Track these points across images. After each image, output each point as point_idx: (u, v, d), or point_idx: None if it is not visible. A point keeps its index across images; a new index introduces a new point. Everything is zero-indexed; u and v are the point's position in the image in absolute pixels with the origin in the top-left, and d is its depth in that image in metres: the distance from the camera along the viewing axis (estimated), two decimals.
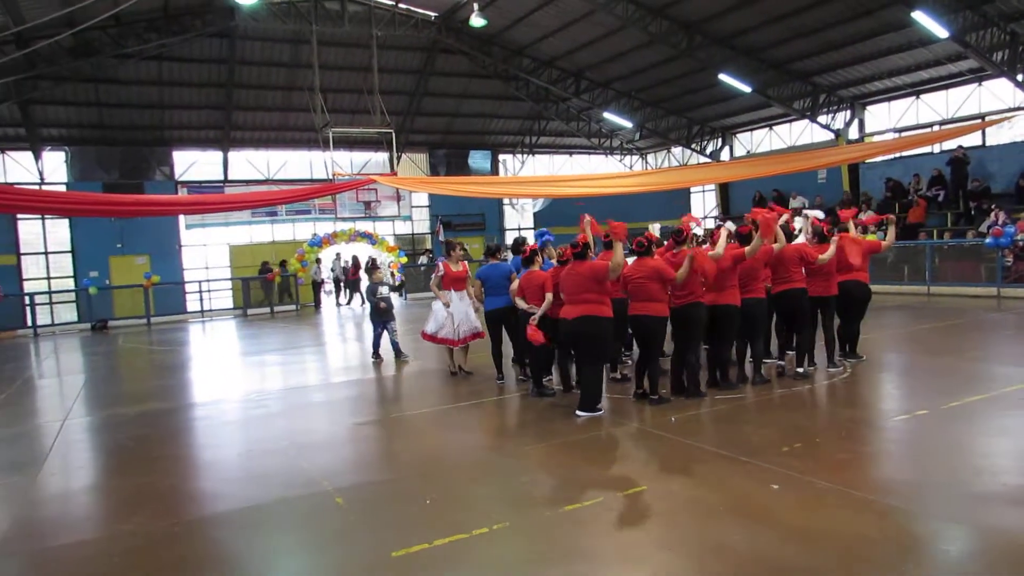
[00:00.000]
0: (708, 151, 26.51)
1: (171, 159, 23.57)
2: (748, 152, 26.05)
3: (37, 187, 21.61)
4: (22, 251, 21.90)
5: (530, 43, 22.49)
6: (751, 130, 25.74)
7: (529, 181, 22.04)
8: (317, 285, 23.02)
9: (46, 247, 22.20)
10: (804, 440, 5.63)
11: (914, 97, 20.55)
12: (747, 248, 7.32)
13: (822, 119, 21.97)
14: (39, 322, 20.13)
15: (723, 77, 20.46)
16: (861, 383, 7.64)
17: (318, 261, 22.88)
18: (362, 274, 21.63)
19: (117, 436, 7.17)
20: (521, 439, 6.48)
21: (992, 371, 7.91)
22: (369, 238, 23.76)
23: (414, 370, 10.10)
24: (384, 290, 10.63)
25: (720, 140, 26.41)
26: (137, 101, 21.69)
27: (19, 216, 20.87)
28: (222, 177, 24.02)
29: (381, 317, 10.52)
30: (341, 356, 12.57)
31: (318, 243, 22.99)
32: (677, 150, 28.36)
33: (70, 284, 22.04)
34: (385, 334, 10.60)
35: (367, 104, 21.70)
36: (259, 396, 8.88)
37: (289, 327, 17.79)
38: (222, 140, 23.62)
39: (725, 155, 26.43)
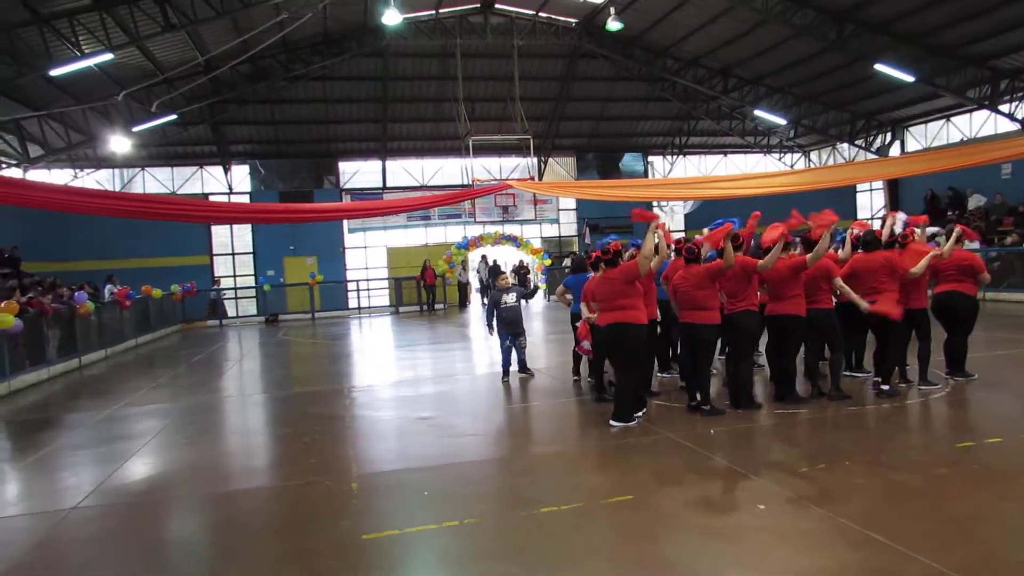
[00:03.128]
0: (875, 147, 24.52)
1: (337, 169, 25.74)
2: (924, 147, 23.79)
3: (227, 196, 24.60)
4: (214, 252, 24.93)
5: (672, 43, 22.08)
6: (925, 122, 23.48)
7: (666, 183, 21.66)
8: (463, 286, 24.10)
9: (233, 249, 25.11)
10: (831, 461, 5.32)
11: None
12: (809, 256, 6.94)
13: (1005, 107, 19.62)
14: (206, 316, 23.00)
15: (881, 67, 18.88)
16: (948, 405, 6.96)
17: (463, 263, 23.94)
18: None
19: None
20: (543, 443, 6.62)
21: None
22: (514, 241, 24.48)
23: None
24: (510, 298, 9.17)
25: (890, 134, 24.33)
26: (306, 118, 23.96)
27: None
28: (381, 184, 25.84)
29: (508, 329, 9.11)
30: (454, 356, 13.25)
31: (465, 245, 24.06)
32: (843, 146, 26.47)
33: (251, 282, 24.75)
34: (514, 350, 9.24)
35: (511, 112, 22.43)
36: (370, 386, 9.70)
37: (431, 324, 18.89)
38: (380, 151, 25.43)
39: (895, 150, 24.32)
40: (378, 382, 10.40)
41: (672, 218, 28.16)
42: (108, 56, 15.06)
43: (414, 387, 9.68)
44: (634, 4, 19.89)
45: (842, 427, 6.38)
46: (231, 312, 23.59)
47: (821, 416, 6.71)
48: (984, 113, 20.86)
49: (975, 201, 20.63)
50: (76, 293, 14.19)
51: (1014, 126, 19.71)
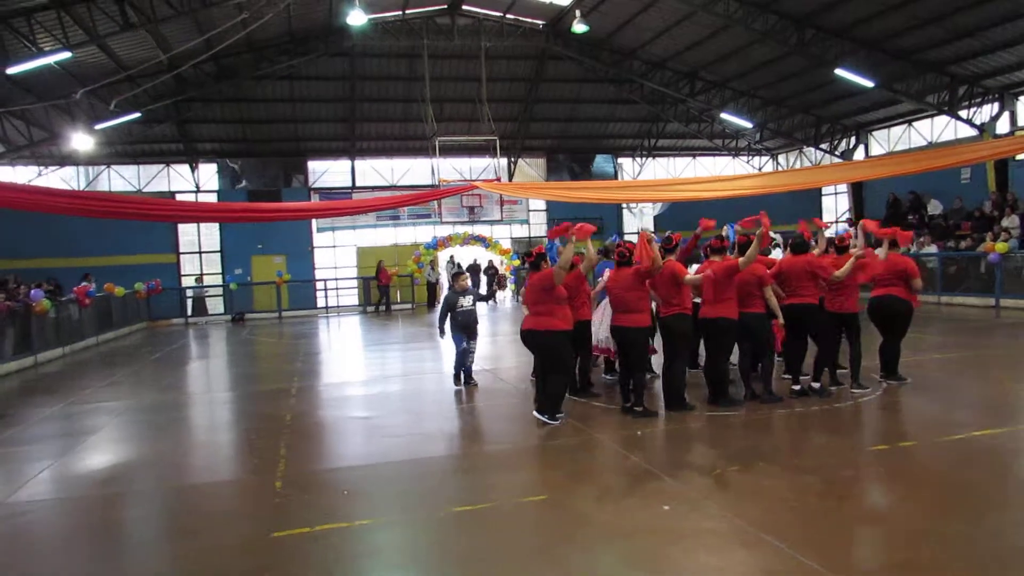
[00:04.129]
0: (840, 150, 24.86)
1: (306, 168, 25.67)
2: (887, 151, 24.15)
3: (194, 195, 24.46)
4: (181, 250, 24.77)
5: (638, 46, 22.26)
6: (888, 127, 23.84)
7: (632, 185, 21.78)
8: (432, 285, 24.14)
9: (200, 247, 24.96)
10: (746, 463, 5.45)
11: None
12: (741, 259, 7.08)
13: (964, 113, 19.98)
14: (191, 313, 22.93)
15: (841, 72, 19.17)
16: (873, 408, 7.12)
17: (432, 263, 23.98)
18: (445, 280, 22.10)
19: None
20: (472, 443, 6.71)
21: None
22: (483, 241, 24.56)
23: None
24: (467, 300, 8.93)
25: (854, 138, 24.68)
26: (274, 117, 23.90)
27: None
28: (350, 184, 25.81)
29: (464, 332, 8.87)
30: (410, 355, 13.31)
31: (434, 245, 24.10)
32: (810, 149, 26.80)
33: (219, 280, 24.61)
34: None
35: (480, 112, 22.52)
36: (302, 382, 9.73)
37: (393, 325, 18.90)
38: (349, 150, 25.41)
39: (860, 154, 24.67)
40: (328, 381, 10.45)
41: (641, 219, 28.38)
42: (66, 54, 14.93)
43: (362, 387, 9.72)
44: (600, 7, 20.04)
45: (765, 430, 6.51)
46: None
47: (749, 418, 6.84)
48: (945, 118, 21.22)
49: (933, 207, 20.98)
50: (32, 291, 14.06)
51: (974, 131, 20.06)
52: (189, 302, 23.43)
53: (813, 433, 6.33)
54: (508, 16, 21.71)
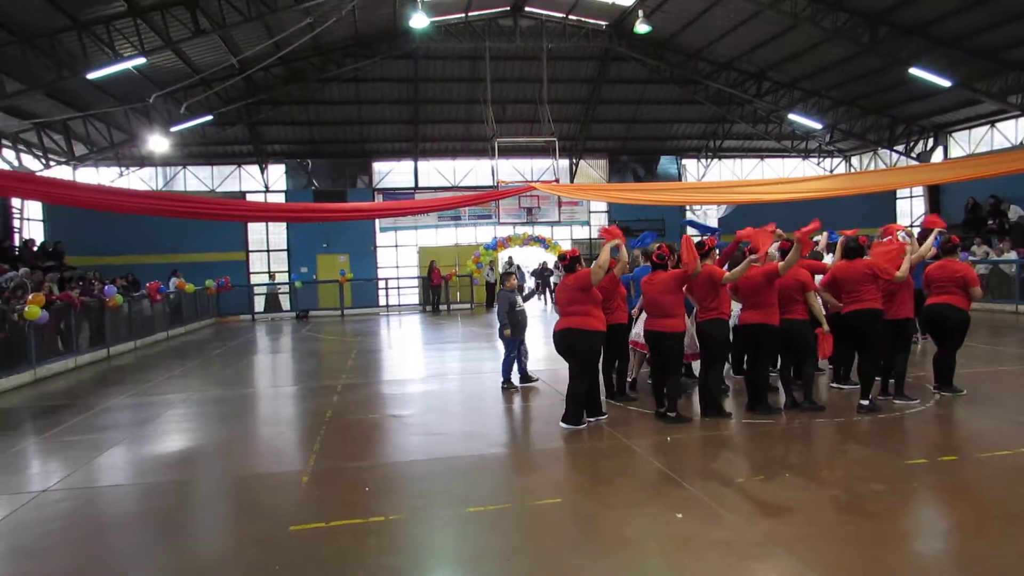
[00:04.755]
0: (916, 152, 23.80)
1: (371, 169, 26.21)
2: (968, 153, 22.99)
3: (263, 195, 25.31)
4: (250, 248, 25.65)
5: (704, 46, 21.83)
6: (968, 128, 22.70)
7: (694, 187, 21.37)
8: (491, 286, 24.26)
9: (268, 245, 25.79)
10: (772, 473, 5.29)
11: None
12: (780, 264, 6.87)
13: None
14: (260, 310, 23.75)
15: (916, 71, 18.33)
16: (918, 421, 6.79)
17: (491, 263, 24.10)
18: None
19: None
20: (498, 444, 6.67)
21: None
22: (542, 242, 24.54)
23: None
24: (520, 300, 8.97)
25: (932, 139, 23.59)
26: (340, 119, 24.48)
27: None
28: (413, 184, 26.21)
29: (518, 334, 8.83)
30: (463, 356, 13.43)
31: (493, 246, 24.20)
32: (885, 151, 25.74)
33: (285, 278, 25.36)
34: (520, 356, 9.07)
35: (541, 114, 22.54)
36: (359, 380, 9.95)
37: (447, 323, 19.11)
38: (412, 151, 25.81)
39: (938, 156, 23.56)
40: (375, 379, 10.65)
41: (705, 222, 27.79)
42: (142, 60, 15.66)
43: (406, 386, 9.85)
44: (663, 7, 19.76)
45: (799, 439, 6.31)
46: (261, 308, 24.25)
47: (785, 427, 6.64)
48: None
49: (1014, 212, 19.86)
50: (105, 287, 14.82)
51: None
52: (261, 299, 24.33)
53: (848, 444, 6.09)
54: (571, 17, 21.64)
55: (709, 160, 28.08)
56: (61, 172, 20.82)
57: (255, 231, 25.63)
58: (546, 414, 7.58)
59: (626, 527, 4.42)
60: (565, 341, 6.73)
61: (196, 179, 25.14)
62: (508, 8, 21.30)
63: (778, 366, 7.76)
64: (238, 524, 4.90)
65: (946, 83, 18.46)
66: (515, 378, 9.05)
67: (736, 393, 7.96)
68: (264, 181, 25.40)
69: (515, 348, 8.92)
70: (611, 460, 5.87)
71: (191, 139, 22.75)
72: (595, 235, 27.58)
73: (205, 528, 4.89)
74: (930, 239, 8.06)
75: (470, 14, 21.14)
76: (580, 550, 4.13)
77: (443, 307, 23.74)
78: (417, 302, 24.75)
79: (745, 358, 8.00)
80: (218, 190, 25.10)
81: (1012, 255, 17.57)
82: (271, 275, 25.06)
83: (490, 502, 4.95)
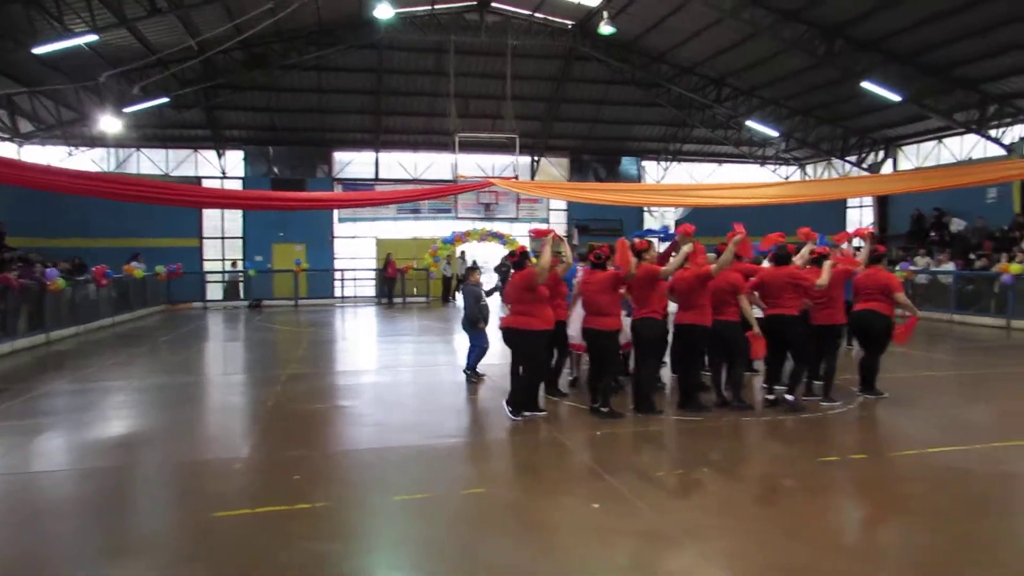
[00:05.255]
0: (867, 163, 24.43)
1: (331, 158, 25.99)
2: (916, 166, 23.69)
3: (220, 181, 24.96)
4: (204, 235, 25.26)
5: (667, 49, 22.10)
6: (918, 142, 23.39)
7: (650, 189, 21.74)
8: (447, 280, 24.30)
9: (223, 233, 25.43)
10: (691, 468, 5.47)
11: None
12: (713, 267, 7.07)
13: (994, 132, 19.53)
14: (213, 297, 23.44)
15: (867, 85, 18.83)
16: (838, 420, 7.04)
17: (448, 258, 24.10)
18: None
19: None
20: (436, 435, 6.66)
21: (1005, 423, 6.92)
22: (500, 238, 24.61)
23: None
24: (484, 295, 9.19)
25: (883, 152, 24.24)
26: (302, 106, 24.21)
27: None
28: (374, 176, 26.07)
29: (477, 329, 8.96)
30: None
31: (451, 240, 24.21)
32: (840, 161, 26.35)
33: (240, 266, 25.02)
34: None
35: (504, 110, 22.60)
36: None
37: (402, 316, 19.09)
38: (374, 142, 25.67)
39: (888, 167, 24.24)
40: (321, 370, 10.62)
41: (663, 223, 28.15)
42: (93, 37, 15.33)
43: (351, 377, 9.87)
44: (628, 8, 19.94)
45: (723, 436, 6.49)
46: (218, 295, 23.95)
47: (711, 425, 6.83)
48: (975, 136, 20.71)
49: (955, 224, 20.55)
50: (47, 270, 14.45)
51: (1003, 151, 19.59)
52: (217, 286, 24.02)
53: (768, 442, 6.31)
54: (537, 15, 21.72)
55: (669, 163, 28.43)
56: (5, 149, 20.25)
57: (210, 218, 25.21)
58: (489, 407, 7.67)
59: (544, 516, 4.55)
60: (510, 339, 6.91)
61: (150, 162, 24.64)
62: (475, 3, 21.30)
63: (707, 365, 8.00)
64: (169, 510, 4.91)
65: (897, 98, 18.98)
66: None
67: (672, 391, 8.15)
68: (221, 167, 25.02)
69: (484, 340, 9.00)
70: (540, 453, 6.00)
71: (146, 121, 22.28)
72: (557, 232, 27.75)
73: (137, 514, 4.87)
74: (865, 250, 8.27)
75: (436, 7, 21.10)
76: (496, 538, 4.24)
77: (399, 300, 23.71)
78: (374, 294, 24.66)
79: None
80: (173, 174, 24.65)
81: (950, 266, 18.19)
82: (232, 263, 24.67)
83: (419, 491, 5.03)
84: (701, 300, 7.15)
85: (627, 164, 28.60)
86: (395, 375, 10.10)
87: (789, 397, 7.44)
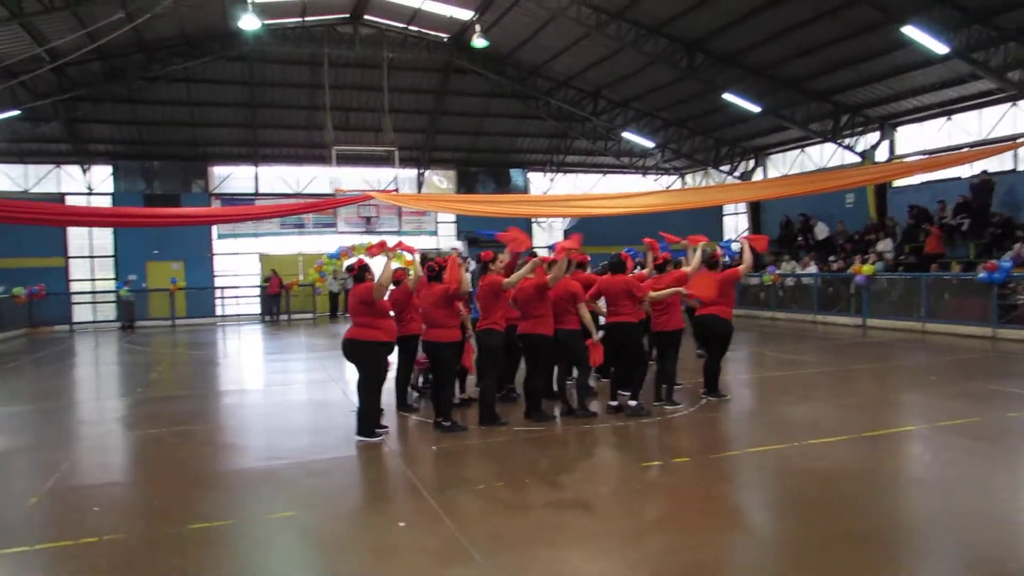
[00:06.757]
0: (739, 172, 25.61)
1: (208, 173, 25.01)
2: (782, 174, 25.00)
3: (86, 198, 23.60)
4: (70, 254, 23.79)
5: (541, 63, 22.50)
6: (783, 151, 24.70)
7: (531, 200, 21.94)
8: (334, 295, 23.83)
9: (92, 251, 24.03)
10: (514, 479, 5.50)
11: (945, 118, 19.14)
12: (549, 277, 7.18)
13: (848, 141, 20.86)
14: (83, 319, 22.11)
15: (729, 97, 19.77)
16: (676, 424, 7.28)
17: (334, 273, 23.63)
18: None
19: None
20: (262, 458, 6.49)
21: (832, 420, 7.34)
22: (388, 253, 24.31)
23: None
24: None
25: (753, 160, 25.48)
26: (171, 119, 23.22)
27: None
28: (254, 191, 25.28)
29: None
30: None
31: (337, 255, 23.73)
32: (716, 171, 27.51)
33: (111, 286, 23.70)
34: None
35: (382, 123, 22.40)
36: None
37: (283, 333, 18.55)
38: (252, 156, 24.90)
39: (758, 176, 25.48)
40: (162, 394, 10.11)
41: (551, 234, 28.59)
42: None
43: (197, 400, 9.46)
44: (500, 22, 20.19)
45: (557, 445, 6.60)
46: (88, 317, 22.63)
47: (551, 434, 6.92)
48: (834, 145, 22.03)
49: (820, 229, 21.78)
50: None
51: (858, 158, 20.93)
52: (85, 308, 22.69)
53: (600, 448, 6.45)
54: (411, 28, 21.67)
55: (554, 174, 28.90)
56: None
57: (76, 235, 23.76)
58: (344, 424, 7.39)
59: (344, 537, 4.47)
60: (348, 350, 6.80)
61: (7, 178, 22.98)
62: (348, 15, 21.04)
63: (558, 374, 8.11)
64: None
65: (756, 108, 20.01)
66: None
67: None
68: (87, 183, 23.66)
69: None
70: (365, 471, 5.92)
71: None
72: (443, 244, 27.69)
73: None
74: (696, 256, 8.60)
75: (307, 19, 20.71)
76: (284, 561, 4.13)
77: (283, 317, 23.06)
78: (259, 311, 23.90)
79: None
80: (33, 191, 23.12)
81: (812, 269, 19.28)
82: (127, 280, 23.05)
83: (222, 517, 4.85)
84: (540, 310, 7.24)
85: (515, 176, 28.87)
86: (244, 396, 9.78)
87: (632, 403, 7.64)
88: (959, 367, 10.73)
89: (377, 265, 7.00)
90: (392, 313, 7.28)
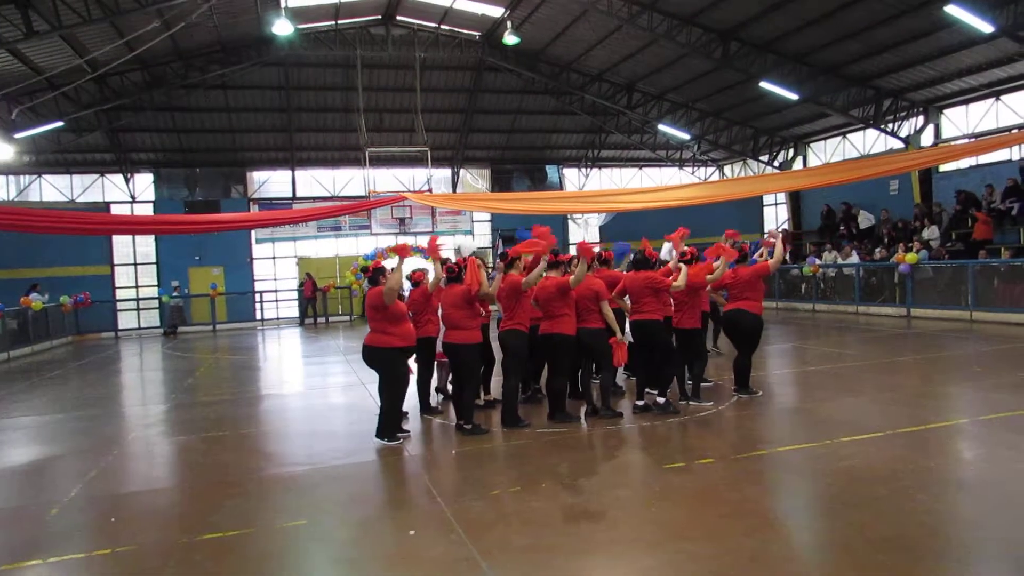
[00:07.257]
0: (778, 162, 25.00)
1: (246, 178, 25.41)
2: (823, 162, 24.30)
3: (129, 206, 24.18)
4: (115, 262, 24.41)
5: (574, 58, 22.27)
6: (824, 139, 24.01)
7: (566, 196, 21.78)
8: None
9: (135, 259, 24.61)
10: (531, 483, 5.36)
11: (993, 99, 18.36)
12: (571, 278, 7.01)
13: (891, 126, 20.16)
14: (127, 325, 22.66)
15: (765, 85, 19.26)
16: (703, 423, 7.04)
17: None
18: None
19: None
20: (276, 465, 6.49)
21: (870, 415, 7.01)
22: (423, 253, 24.39)
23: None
24: None
25: (793, 150, 24.83)
26: (210, 126, 23.64)
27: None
28: (291, 194, 25.59)
29: None
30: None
31: (372, 257, 23.88)
32: (755, 161, 26.90)
33: (154, 292, 24.24)
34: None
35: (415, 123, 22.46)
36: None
37: (321, 336, 18.71)
38: (289, 160, 25.20)
39: (798, 165, 24.82)
40: (197, 400, 10.22)
41: (587, 230, 28.35)
42: None
43: (242, 405, 9.51)
44: (531, 18, 20.03)
45: (579, 447, 6.43)
46: (132, 324, 23.16)
47: (574, 436, 6.75)
48: (876, 131, 21.32)
49: (864, 218, 21.11)
50: None
51: (901, 144, 20.22)
52: (131, 315, 23.23)
53: (622, 450, 6.27)
54: (443, 27, 21.64)
55: (589, 169, 28.63)
56: None
57: (121, 243, 24.39)
58: (367, 428, 7.24)
59: (352, 547, 4.39)
60: (367, 357, 6.75)
61: (54, 189, 23.72)
62: (379, 17, 21.11)
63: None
64: None
65: (794, 96, 19.46)
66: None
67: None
68: (130, 191, 24.24)
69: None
70: (383, 476, 5.84)
71: (45, 146, 21.47)
72: (479, 244, 27.65)
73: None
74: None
75: (340, 22, 20.84)
76: (293, 571, 4.05)
77: (321, 320, 23.28)
78: (297, 315, 24.19)
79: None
80: (79, 200, 23.80)
81: (854, 259, 18.68)
82: (175, 287, 23.54)
83: (232, 527, 4.79)
84: (562, 309, 7.08)
85: (550, 172, 28.69)
86: (274, 402, 9.79)
87: (660, 400, 7.45)
88: (1007, 357, 10.23)
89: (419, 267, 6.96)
90: (410, 314, 7.21)
